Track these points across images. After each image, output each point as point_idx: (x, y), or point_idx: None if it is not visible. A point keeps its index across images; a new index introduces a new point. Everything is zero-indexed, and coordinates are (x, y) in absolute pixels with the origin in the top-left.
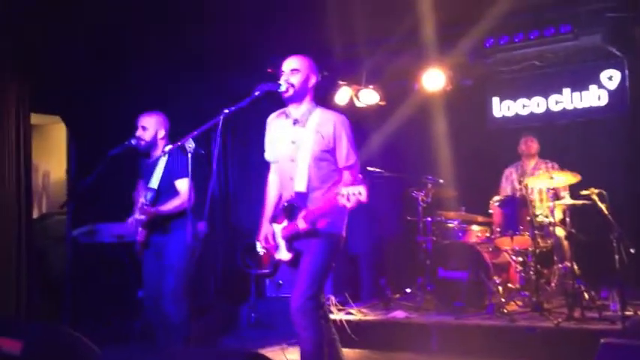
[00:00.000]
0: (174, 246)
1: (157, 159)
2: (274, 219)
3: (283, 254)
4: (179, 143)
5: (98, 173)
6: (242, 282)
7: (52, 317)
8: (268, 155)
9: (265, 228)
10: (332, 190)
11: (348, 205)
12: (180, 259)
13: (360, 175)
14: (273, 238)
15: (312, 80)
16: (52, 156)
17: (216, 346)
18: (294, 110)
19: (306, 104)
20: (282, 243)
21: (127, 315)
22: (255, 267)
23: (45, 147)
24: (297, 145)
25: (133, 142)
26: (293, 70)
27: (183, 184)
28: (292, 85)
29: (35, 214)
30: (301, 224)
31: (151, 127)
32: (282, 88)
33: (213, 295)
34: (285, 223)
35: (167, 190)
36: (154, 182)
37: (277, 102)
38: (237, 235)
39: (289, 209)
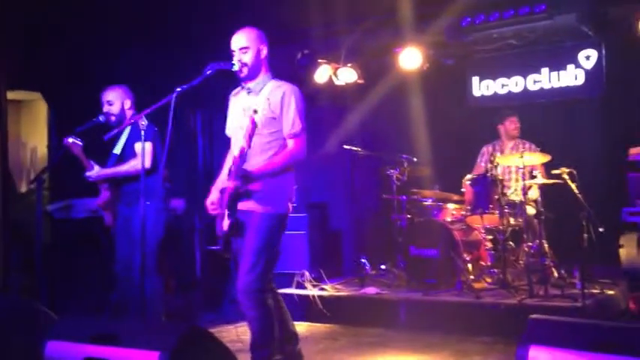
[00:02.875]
0: (150, 220)
1: (124, 129)
2: (223, 189)
3: (225, 222)
4: (133, 120)
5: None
6: (224, 258)
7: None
8: (227, 129)
9: (213, 194)
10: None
11: (245, 145)
12: (151, 231)
13: (304, 145)
14: (219, 205)
15: (263, 51)
16: (39, 132)
17: (195, 322)
18: (250, 82)
19: (261, 76)
20: (226, 212)
21: (102, 288)
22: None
23: (32, 123)
24: (246, 111)
25: (101, 118)
26: (242, 49)
27: (140, 147)
28: (245, 65)
29: (23, 190)
30: (229, 183)
31: (116, 100)
32: (235, 68)
33: (198, 272)
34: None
35: (129, 156)
36: (117, 148)
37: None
38: None
39: (229, 175)
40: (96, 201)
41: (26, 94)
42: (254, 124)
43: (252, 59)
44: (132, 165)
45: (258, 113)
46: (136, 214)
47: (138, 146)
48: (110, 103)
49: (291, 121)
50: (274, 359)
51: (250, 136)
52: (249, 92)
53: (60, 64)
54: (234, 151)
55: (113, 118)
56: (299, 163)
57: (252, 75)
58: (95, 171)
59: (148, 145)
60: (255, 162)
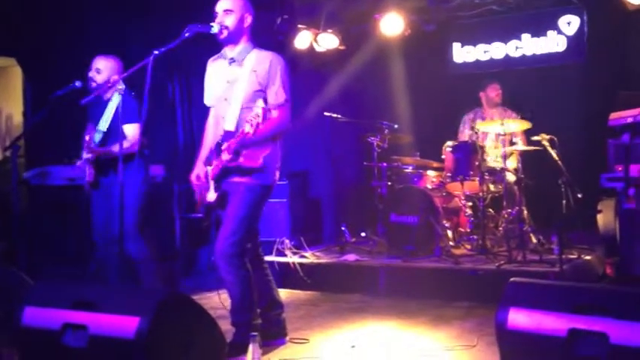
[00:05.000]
0: (127, 184)
1: (107, 102)
2: (208, 161)
3: (211, 195)
4: (109, 85)
5: (42, 116)
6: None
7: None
8: (206, 99)
9: (198, 168)
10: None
11: (251, 131)
12: (133, 198)
13: (288, 116)
14: (205, 178)
15: (248, 20)
16: (14, 99)
17: (175, 289)
18: (230, 51)
19: (242, 44)
20: (212, 184)
21: (80, 256)
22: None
23: (7, 90)
24: (231, 84)
25: (78, 84)
26: (226, 11)
27: (130, 129)
28: (226, 27)
29: None
30: (224, 155)
31: (105, 70)
32: (214, 30)
33: (177, 240)
34: (215, 163)
35: (115, 133)
36: (103, 124)
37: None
38: None
39: (217, 148)
40: (85, 178)
41: (1, 61)
42: (265, 115)
43: (234, 24)
44: (122, 147)
45: (243, 86)
46: (115, 184)
47: (127, 128)
48: (98, 71)
49: (275, 91)
50: (254, 323)
51: (259, 125)
52: (231, 62)
53: (35, 29)
54: (225, 125)
55: (94, 84)
56: (283, 134)
57: (232, 40)
58: (91, 146)
59: (137, 127)
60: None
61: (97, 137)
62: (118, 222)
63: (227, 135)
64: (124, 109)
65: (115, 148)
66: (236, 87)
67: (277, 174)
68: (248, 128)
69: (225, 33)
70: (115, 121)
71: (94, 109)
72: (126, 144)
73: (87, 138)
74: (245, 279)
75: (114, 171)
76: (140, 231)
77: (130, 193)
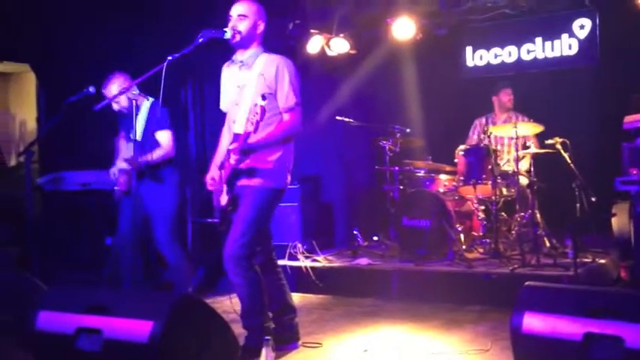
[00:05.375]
0: (164, 192)
1: (136, 111)
2: (222, 165)
3: (224, 198)
4: (123, 90)
5: (56, 122)
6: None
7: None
8: (221, 104)
9: (212, 171)
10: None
11: (251, 128)
12: (169, 204)
13: (299, 119)
14: (220, 181)
15: (261, 26)
16: (28, 105)
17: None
18: (241, 55)
19: (253, 49)
20: (225, 187)
21: (94, 261)
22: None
23: (21, 96)
24: (241, 88)
25: (91, 89)
26: (240, 16)
27: (164, 136)
28: (239, 32)
29: (12, 163)
30: (232, 158)
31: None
32: (227, 35)
33: (189, 244)
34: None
35: (148, 141)
36: (138, 134)
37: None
38: None
39: (228, 151)
40: (118, 187)
41: (15, 67)
42: (263, 113)
43: (247, 29)
44: (159, 154)
45: (252, 90)
46: (157, 189)
47: (160, 135)
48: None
49: (285, 95)
50: (266, 326)
51: (258, 123)
52: (241, 66)
53: (48, 35)
54: (235, 128)
55: (117, 106)
56: (294, 137)
57: (244, 44)
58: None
59: (170, 134)
60: (256, 139)
61: (132, 147)
62: (159, 226)
63: (236, 138)
64: (155, 118)
65: (153, 155)
66: (245, 91)
67: (289, 177)
68: (249, 127)
69: (237, 37)
70: (148, 130)
71: (124, 119)
72: (160, 151)
73: (123, 148)
74: (254, 281)
75: (148, 178)
76: (175, 236)
77: (166, 199)
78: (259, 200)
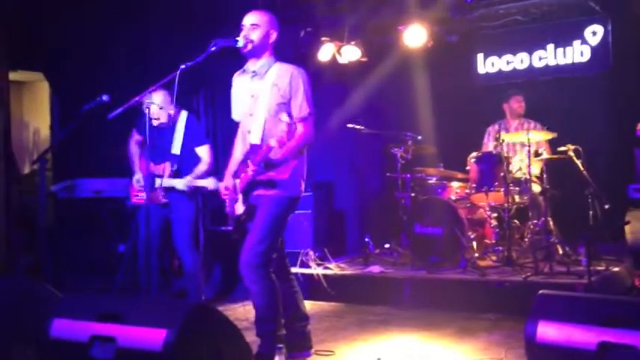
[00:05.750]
0: (186, 198)
1: (172, 125)
2: (236, 174)
3: (239, 207)
4: (137, 98)
5: (69, 130)
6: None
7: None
8: (233, 114)
9: (227, 180)
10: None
11: (276, 145)
12: (190, 212)
13: (312, 129)
14: (234, 190)
15: (273, 36)
16: (41, 113)
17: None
18: (253, 65)
19: (265, 58)
20: (240, 197)
21: (107, 269)
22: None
23: (34, 104)
24: (254, 98)
25: (105, 97)
26: (253, 25)
27: (204, 151)
28: (251, 41)
29: (26, 171)
30: (250, 169)
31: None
32: (240, 44)
33: (202, 252)
34: (242, 176)
35: (188, 155)
36: (176, 149)
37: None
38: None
39: (245, 162)
40: (148, 199)
41: (28, 75)
42: (290, 131)
43: (259, 38)
44: (203, 171)
45: (266, 100)
46: (181, 197)
47: (200, 150)
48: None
49: (299, 105)
50: (279, 334)
51: (284, 140)
52: (253, 76)
53: (61, 43)
54: (250, 139)
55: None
56: (309, 146)
57: (256, 53)
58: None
59: (209, 148)
60: (278, 154)
61: (173, 165)
62: (181, 232)
63: (253, 148)
64: (194, 133)
65: (197, 174)
66: (259, 101)
67: (303, 185)
68: (273, 142)
69: (249, 46)
70: (186, 145)
71: (155, 131)
72: (203, 166)
73: (136, 156)
74: (270, 290)
75: (181, 190)
76: (193, 242)
77: (188, 205)
78: (275, 209)
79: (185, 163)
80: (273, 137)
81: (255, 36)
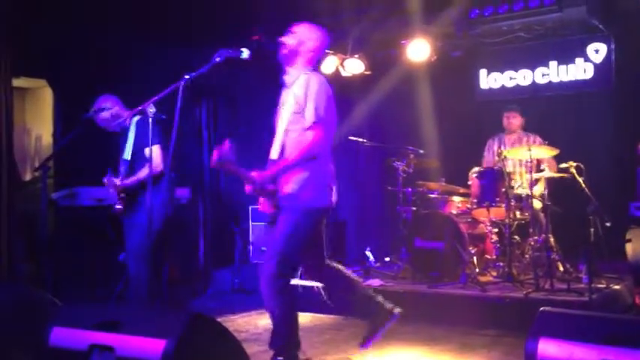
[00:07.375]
0: (142, 206)
1: (126, 130)
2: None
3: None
4: (140, 108)
5: (72, 136)
6: (228, 248)
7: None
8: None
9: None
10: None
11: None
12: (146, 218)
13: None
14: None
15: (307, 44)
16: (44, 120)
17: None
18: (287, 75)
19: (296, 68)
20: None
21: (107, 278)
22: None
23: (37, 111)
24: (281, 109)
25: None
26: (290, 32)
27: (151, 151)
28: (285, 46)
29: (27, 178)
30: (262, 184)
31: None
32: (244, 55)
33: (201, 261)
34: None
35: (139, 158)
36: (127, 153)
37: (268, 72)
38: (225, 202)
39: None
40: (114, 209)
41: (31, 82)
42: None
43: (292, 44)
44: (143, 176)
45: (287, 110)
46: (138, 202)
47: (148, 151)
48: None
49: (310, 112)
50: (292, 353)
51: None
52: (285, 87)
53: (65, 50)
54: (271, 154)
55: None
56: (321, 154)
57: (287, 59)
58: (115, 183)
59: (157, 148)
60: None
61: (122, 168)
62: (131, 238)
63: (269, 164)
64: (141, 134)
65: (133, 178)
66: (283, 112)
67: (327, 195)
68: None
69: (284, 50)
70: (137, 148)
71: (119, 140)
72: (145, 170)
73: (113, 177)
74: (284, 306)
75: (140, 194)
76: (149, 252)
77: (144, 212)
78: (292, 219)
79: (139, 168)
80: (290, 149)
81: (289, 41)
